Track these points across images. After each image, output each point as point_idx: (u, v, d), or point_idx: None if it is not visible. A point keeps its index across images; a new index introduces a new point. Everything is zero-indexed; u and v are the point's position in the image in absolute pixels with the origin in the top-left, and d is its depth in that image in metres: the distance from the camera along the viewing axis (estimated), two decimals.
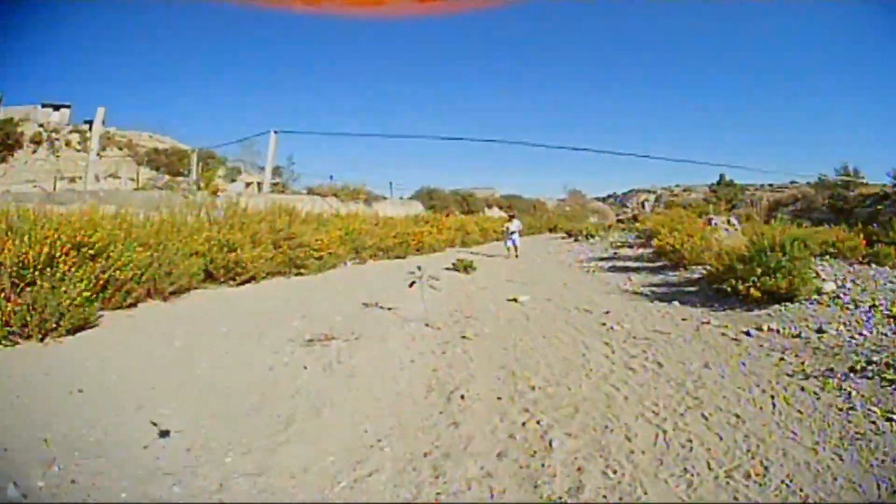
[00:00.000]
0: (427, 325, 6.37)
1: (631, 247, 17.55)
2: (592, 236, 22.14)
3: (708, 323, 6.75)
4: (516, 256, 15.89)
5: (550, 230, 31.87)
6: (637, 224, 30.57)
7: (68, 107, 34.92)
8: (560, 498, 2.75)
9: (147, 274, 6.31)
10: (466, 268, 11.69)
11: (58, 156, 30.44)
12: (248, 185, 21.69)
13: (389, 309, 7.08)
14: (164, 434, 3.02)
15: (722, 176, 53.10)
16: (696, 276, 10.56)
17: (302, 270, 10.07)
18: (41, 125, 32.33)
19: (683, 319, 7.14)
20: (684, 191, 70.79)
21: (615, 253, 15.89)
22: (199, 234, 8.26)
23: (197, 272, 7.56)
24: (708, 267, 10.30)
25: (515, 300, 8.45)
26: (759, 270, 7.65)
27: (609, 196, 71.62)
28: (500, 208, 31.82)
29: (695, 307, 7.94)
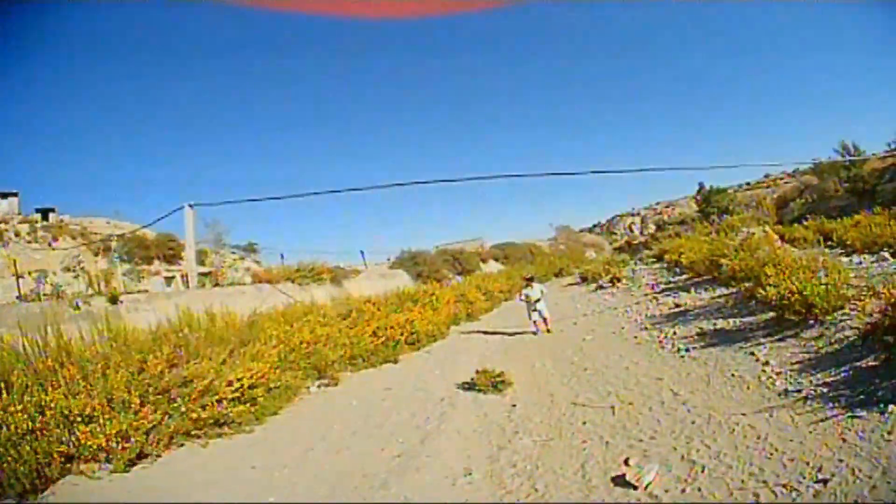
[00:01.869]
0: None
1: (685, 290, 13.11)
2: (619, 280, 17.67)
3: None
4: (548, 331, 11.31)
5: (556, 275, 27.44)
6: (651, 251, 26.37)
7: (15, 195, 31.25)
8: None
9: None
10: (495, 383, 7.05)
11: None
12: (169, 279, 16.98)
13: None
14: None
15: (701, 185, 49.87)
16: (847, 333, 6.23)
17: (226, 429, 5.98)
18: None
19: None
20: (667, 206, 67.95)
21: (676, 304, 11.39)
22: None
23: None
24: (867, 320, 6.07)
25: (628, 481, 3.95)
26: None
27: (595, 225, 68.34)
28: (497, 260, 27.49)
29: None
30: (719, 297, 11.02)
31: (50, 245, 28.29)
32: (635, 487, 3.90)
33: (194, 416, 5.67)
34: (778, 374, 5.85)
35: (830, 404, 4.62)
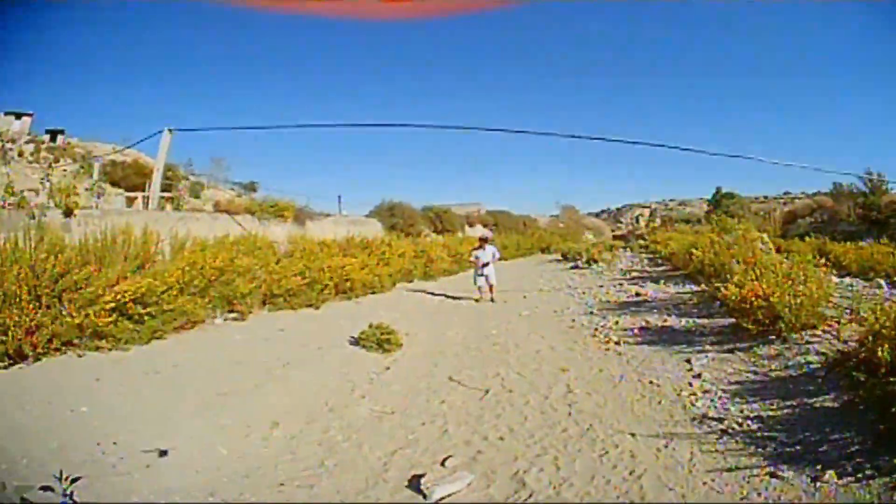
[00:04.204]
0: None
1: (655, 280, 11.78)
2: (595, 262, 16.31)
3: None
4: (491, 300, 10.09)
5: (543, 250, 26.03)
6: (644, 241, 24.90)
7: (30, 115, 30.44)
8: None
9: None
10: (381, 343, 5.93)
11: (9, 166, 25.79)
12: (130, 199, 15.93)
13: None
14: None
15: (718, 189, 47.86)
16: (811, 358, 4.85)
17: (104, 343, 5.29)
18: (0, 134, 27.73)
19: None
20: (679, 205, 65.70)
21: (637, 293, 10.08)
22: None
23: None
24: (840, 347, 4.75)
25: (421, 486, 2.85)
26: None
27: (602, 211, 66.35)
28: (485, 226, 26.13)
29: None
30: (686, 293, 9.72)
31: (51, 166, 27.78)
32: (425, 496, 2.76)
33: (76, 322, 5.05)
34: (705, 392, 4.50)
35: (752, 448, 3.28)
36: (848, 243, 16.01)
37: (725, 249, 8.80)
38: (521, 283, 12.78)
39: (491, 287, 10.13)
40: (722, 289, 6.83)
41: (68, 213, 9.72)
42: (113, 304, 5.51)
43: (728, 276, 7.62)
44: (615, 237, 42.16)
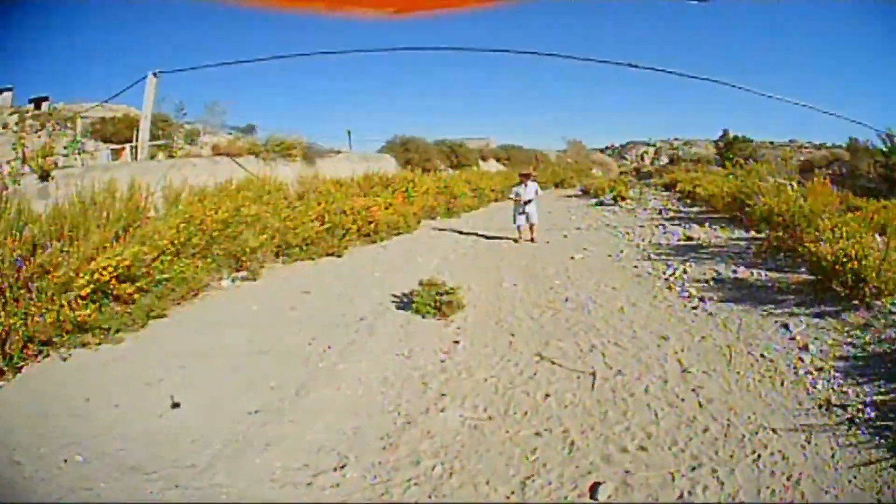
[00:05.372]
0: None
1: (699, 223, 10.86)
2: (623, 198, 15.32)
3: None
4: (531, 240, 9.19)
5: (557, 185, 24.78)
6: (662, 179, 23.76)
7: (10, 89, 29.57)
8: None
9: None
10: (440, 305, 5.01)
11: None
12: (116, 152, 14.56)
13: None
14: None
15: (726, 131, 46.04)
16: None
17: (89, 336, 4.37)
18: None
19: None
20: (684, 144, 63.84)
21: (688, 237, 9.20)
22: None
23: None
24: None
25: None
26: None
27: (607, 147, 64.32)
28: (498, 160, 24.74)
29: None
30: (739, 239, 8.88)
31: (37, 133, 25.98)
32: None
33: (50, 318, 4.12)
34: (819, 370, 3.87)
35: (876, 439, 2.93)
36: (873, 200, 15.13)
37: (801, 200, 7.85)
38: (553, 221, 11.83)
39: (532, 227, 9.20)
40: (809, 244, 5.97)
41: (44, 176, 8.88)
42: (92, 286, 4.52)
43: (804, 227, 6.84)
44: (622, 173, 40.98)
